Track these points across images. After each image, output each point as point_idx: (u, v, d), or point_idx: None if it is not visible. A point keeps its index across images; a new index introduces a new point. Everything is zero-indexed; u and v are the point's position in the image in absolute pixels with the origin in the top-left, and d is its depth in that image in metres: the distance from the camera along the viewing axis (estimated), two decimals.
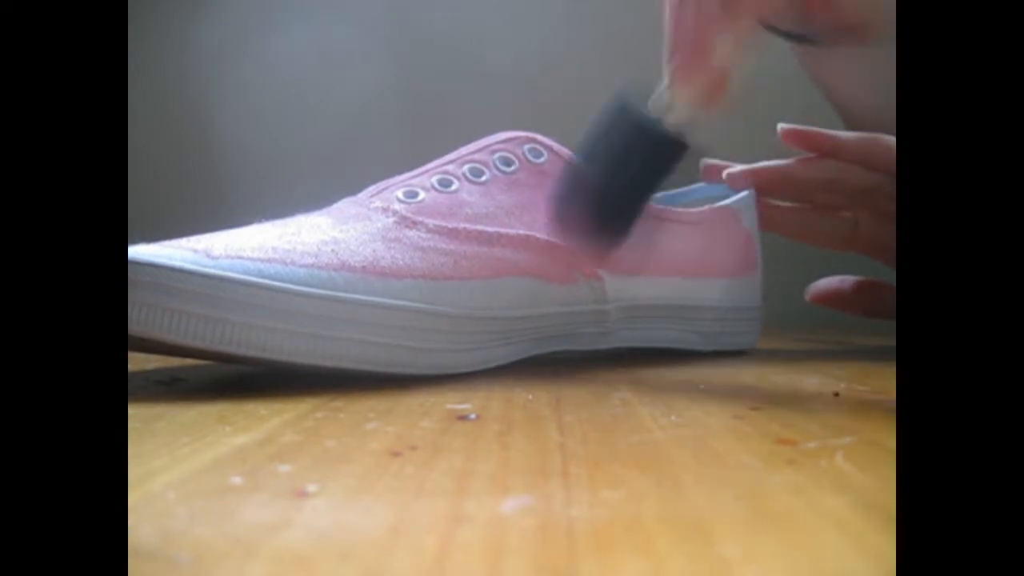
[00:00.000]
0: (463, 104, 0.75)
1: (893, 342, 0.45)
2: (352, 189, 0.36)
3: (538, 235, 0.32)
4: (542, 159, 0.35)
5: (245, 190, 0.76)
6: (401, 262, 0.29)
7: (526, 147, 0.35)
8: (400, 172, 0.35)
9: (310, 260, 0.27)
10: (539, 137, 0.36)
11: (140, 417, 0.21)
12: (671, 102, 0.28)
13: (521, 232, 0.32)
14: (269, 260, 0.27)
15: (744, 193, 0.41)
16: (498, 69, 0.75)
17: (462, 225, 0.31)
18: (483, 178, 0.34)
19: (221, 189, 0.76)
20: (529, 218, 0.33)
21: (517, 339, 0.33)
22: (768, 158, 0.41)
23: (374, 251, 0.29)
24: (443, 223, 0.31)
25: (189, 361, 0.34)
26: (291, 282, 0.26)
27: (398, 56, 0.76)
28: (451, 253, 0.30)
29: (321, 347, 0.26)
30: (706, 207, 0.40)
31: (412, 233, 0.30)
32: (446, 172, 0.34)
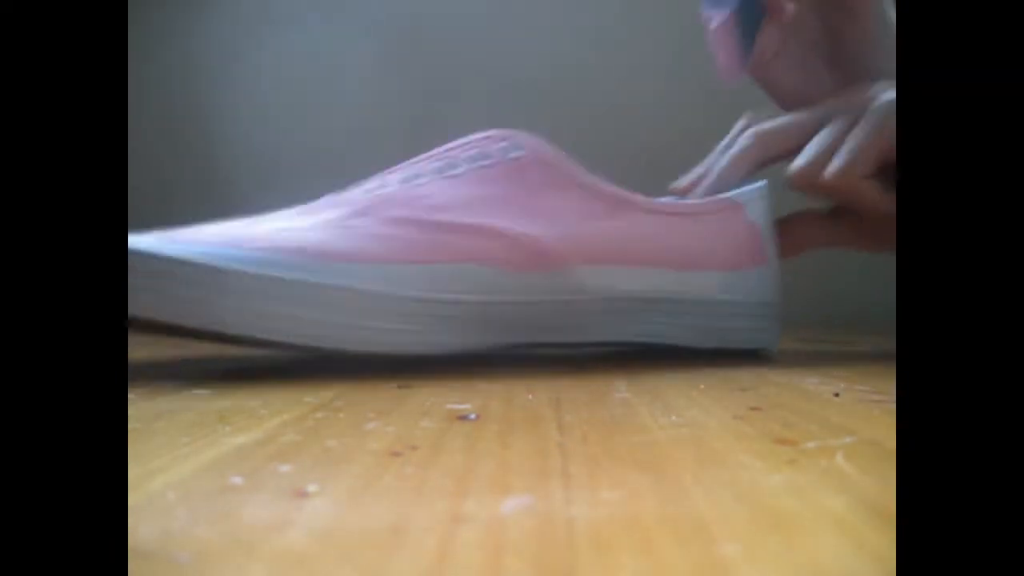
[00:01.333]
0: (464, 103, 0.75)
1: (893, 342, 0.45)
2: None
3: (499, 224, 0.33)
4: (519, 153, 0.36)
5: (245, 189, 0.76)
6: (356, 246, 0.31)
7: (504, 143, 0.36)
8: None
9: (263, 244, 0.29)
10: (519, 134, 0.37)
11: (140, 417, 0.21)
12: None
13: (484, 222, 0.33)
14: (223, 244, 0.29)
15: (753, 186, 0.40)
16: (499, 68, 0.75)
17: (416, 214, 0.33)
18: (455, 172, 0.35)
19: (221, 188, 0.76)
20: (498, 209, 0.34)
21: (482, 327, 0.33)
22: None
23: (327, 236, 0.31)
24: (395, 213, 0.32)
25: (189, 361, 0.34)
26: (243, 263, 0.28)
27: (399, 56, 0.76)
28: (400, 238, 0.32)
29: (273, 325, 0.28)
30: (700, 200, 0.40)
31: (361, 221, 0.32)
32: (418, 168, 0.35)
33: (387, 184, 0.34)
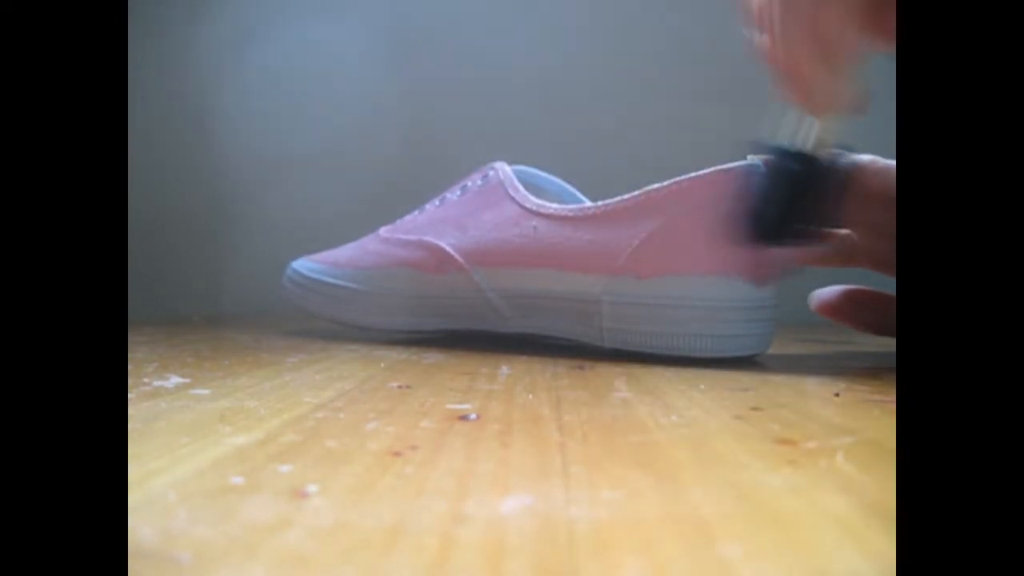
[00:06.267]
0: (464, 104, 0.75)
1: (893, 343, 0.45)
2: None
3: (427, 238, 0.45)
4: (482, 183, 0.45)
5: (245, 189, 0.76)
6: (357, 258, 0.47)
7: (479, 175, 0.46)
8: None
9: (333, 259, 0.48)
10: (498, 165, 0.45)
11: (140, 417, 0.21)
12: (819, 134, 0.34)
13: (419, 238, 0.45)
14: (323, 262, 0.49)
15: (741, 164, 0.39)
16: (498, 68, 0.75)
17: (392, 235, 0.47)
18: (438, 202, 0.46)
19: (220, 187, 0.76)
20: (438, 227, 0.45)
21: (423, 312, 0.45)
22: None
23: (354, 252, 0.48)
24: (384, 235, 0.47)
25: (189, 361, 0.34)
26: (324, 275, 0.48)
27: (399, 56, 0.76)
28: (376, 252, 0.47)
29: (334, 311, 0.48)
30: (591, 205, 0.40)
31: (372, 241, 0.48)
32: (429, 202, 0.47)
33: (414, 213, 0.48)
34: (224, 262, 0.75)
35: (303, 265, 0.49)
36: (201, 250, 0.75)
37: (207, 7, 0.77)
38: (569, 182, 0.47)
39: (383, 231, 0.48)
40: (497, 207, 0.43)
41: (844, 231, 0.42)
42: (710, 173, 0.36)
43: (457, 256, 0.43)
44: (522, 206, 0.42)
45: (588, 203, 0.42)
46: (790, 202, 0.34)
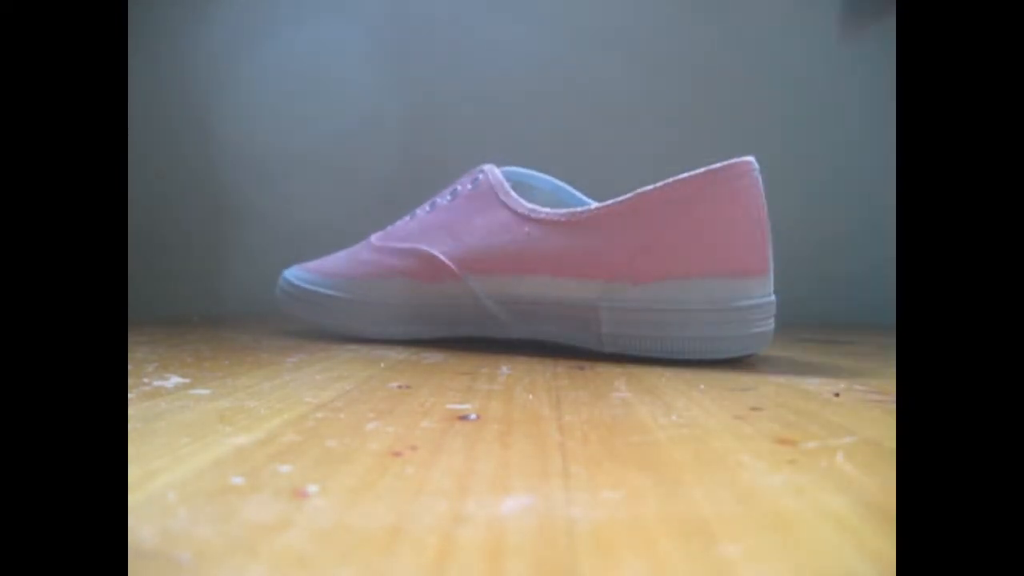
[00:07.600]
0: (462, 105, 0.75)
1: (893, 343, 0.45)
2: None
3: (420, 246, 0.44)
4: (472, 187, 0.44)
5: (244, 189, 0.76)
6: (349, 268, 0.47)
7: (468, 179, 0.45)
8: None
9: (324, 268, 0.48)
10: (483, 170, 0.44)
11: (140, 417, 0.21)
12: None
13: (413, 246, 0.44)
14: (314, 271, 0.49)
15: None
16: (497, 68, 0.75)
17: (385, 243, 0.46)
18: (429, 208, 0.46)
19: (220, 188, 0.76)
20: (431, 235, 0.44)
21: (419, 321, 0.45)
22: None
23: (345, 263, 0.48)
24: (376, 243, 0.47)
25: (189, 361, 0.34)
26: (315, 285, 0.48)
27: (399, 56, 0.76)
28: (368, 262, 0.46)
29: (328, 321, 0.47)
30: (583, 209, 0.39)
31: (363, 250, 0.47)
32: (420, 207, 0.47)
33: (404, 219, 0.47)
34: (224, 262, 0.75)
35: (295, 275, 0.49)
36: (201, 250, 0.75)
37: (207, 7, 0.77)
38: (569, 183, 0.47)
39: (375, 239, 0.47)
40: (488, 212, 0.42)
41: None
42: (703, 173, 0.36)
43: (450, 264, 0.42)
44: (514, 211, 0.41)
45: (580, 207, 0.42)
46: None
